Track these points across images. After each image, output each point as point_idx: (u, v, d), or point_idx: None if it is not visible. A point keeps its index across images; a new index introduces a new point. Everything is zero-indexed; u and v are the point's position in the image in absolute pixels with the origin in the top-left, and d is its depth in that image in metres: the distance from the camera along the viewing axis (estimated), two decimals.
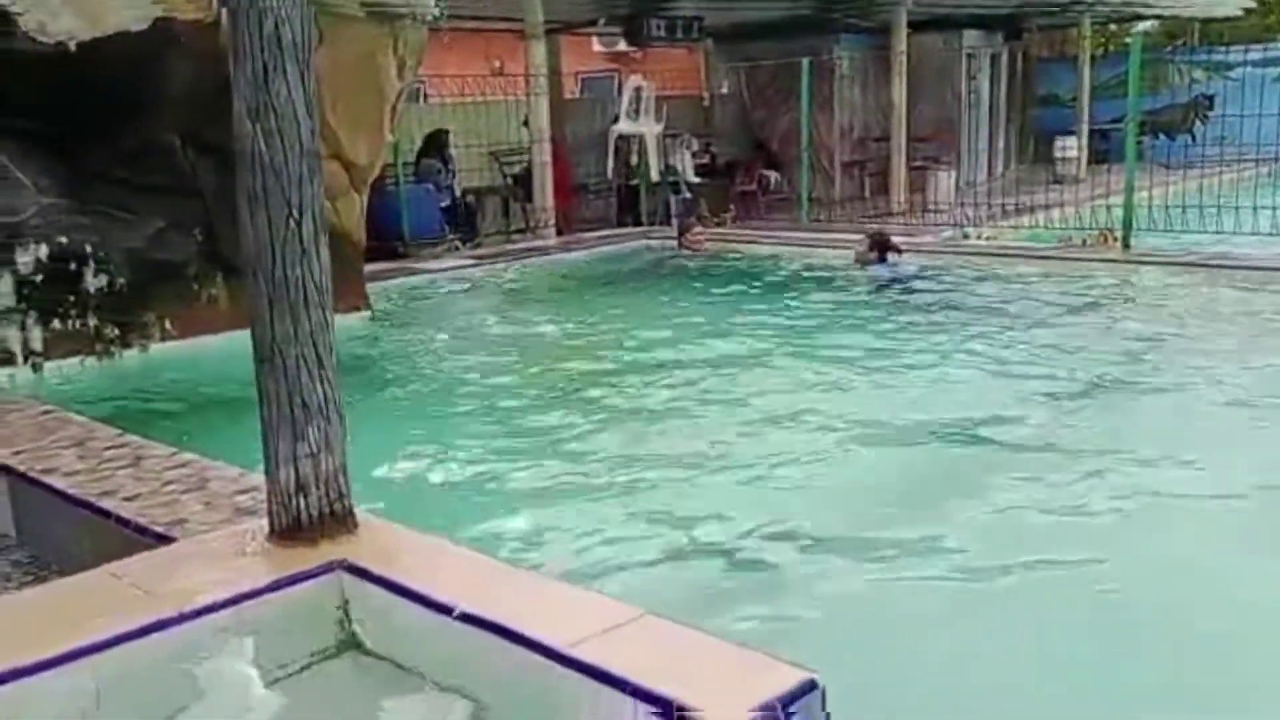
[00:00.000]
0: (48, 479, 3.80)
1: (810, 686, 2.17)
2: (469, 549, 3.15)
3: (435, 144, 12.44)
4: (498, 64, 16.08)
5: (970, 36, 16.51)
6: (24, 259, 5.81)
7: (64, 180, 5.89)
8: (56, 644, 2.50)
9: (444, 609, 2.67)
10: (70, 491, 3.65)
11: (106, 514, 3.48)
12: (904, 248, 9.71)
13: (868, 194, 15.76)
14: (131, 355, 6.27)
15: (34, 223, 5.81)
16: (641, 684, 2.19)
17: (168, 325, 6.39)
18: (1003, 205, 12.09)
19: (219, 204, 6.47)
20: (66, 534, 3.69)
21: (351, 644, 2.95)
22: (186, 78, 6.16)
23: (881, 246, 9.54)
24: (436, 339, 7.53)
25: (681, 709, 2.11)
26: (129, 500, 3.55)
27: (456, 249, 11.55)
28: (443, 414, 5.84)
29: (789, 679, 2.18)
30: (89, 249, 6.02)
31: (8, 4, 5.45)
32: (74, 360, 6.07)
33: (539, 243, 12.09)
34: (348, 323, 6.46)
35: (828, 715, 2.19)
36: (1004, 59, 18.01)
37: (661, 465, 4.83)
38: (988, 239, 10.99)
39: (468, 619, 2.60)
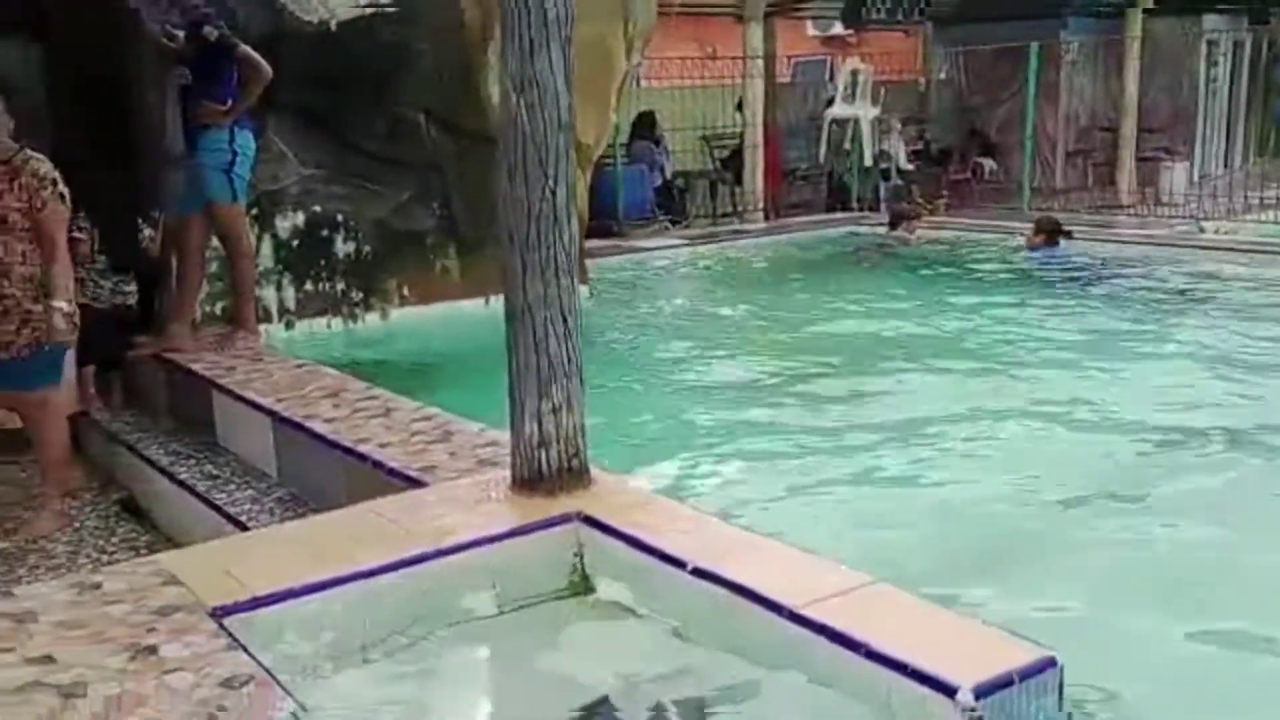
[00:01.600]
0: (309, 424, 4.15)
1: (1049, 664, 2.17)
2: (697, 508, 3.28)
3: (645, 126, 12.67)
4: (710, 49, 16.22)
5: (1211, 21, 15.50)
6: (283, 225, 6.31)
7: (322, 152, 6.35)
8: (335, 568, 2.76)
9: (677, 562, 2.79)
10: (330, 436, 3.98)
11: (363, 458, 3.78)
12: (1077, 234, 9.72)
13: (1090, 184, 15.08)
14: (372, 318, 6.71)
15: (293, 191, 6.30)
16: (877, 645, 2.24)
17: (405, 292, 6.80)
18: (1246, 199, 11.36)
19: (457, 180, 6.85)
20: (323, 474, 4.02)
21: (583, 590, 3.12)
22: (431, 59, 6.53)
23: (1051, 232, 9.51)
24: (650, 315, 7.75)
25: (917, 673, 2.16)
26: (382, 447, 3.84)
27: (666, 229, 11.76)
28: (657, 385, 6.02)
29: (1027, 655, 2.19)
30: (340, 218, 6.47)
31: None
32: (321, 320, 6.54)
33: (747, 226, 12.16)
34: None
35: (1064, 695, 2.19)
36: (1247, 46, 16.83)
37: (873, 442, 4.87)
38: (1225, 233, 10.37)
39: (701, 574, 2.72)
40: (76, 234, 5.31)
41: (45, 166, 4.31)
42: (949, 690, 2.09)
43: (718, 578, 2.66)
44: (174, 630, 2.47)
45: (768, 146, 12.72)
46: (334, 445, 3.92)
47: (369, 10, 6.22)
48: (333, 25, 6.13)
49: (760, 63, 12.35)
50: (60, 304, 4.26)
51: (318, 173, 6.37)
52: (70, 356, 4.73)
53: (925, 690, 2.13)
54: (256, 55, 5.19)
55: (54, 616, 2.56)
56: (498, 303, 6.92)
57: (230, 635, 2.45)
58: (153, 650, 2.38)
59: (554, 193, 3.13)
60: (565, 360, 3.23)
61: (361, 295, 6.65)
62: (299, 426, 4.17)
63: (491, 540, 3.02)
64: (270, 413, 4.39)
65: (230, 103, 5.25)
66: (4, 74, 6.61)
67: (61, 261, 4.31)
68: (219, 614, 2.54)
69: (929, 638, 2.29)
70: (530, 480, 3.27)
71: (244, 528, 3.93)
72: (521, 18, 3.01)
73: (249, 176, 5.46)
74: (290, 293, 6.42)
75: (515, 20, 3.01)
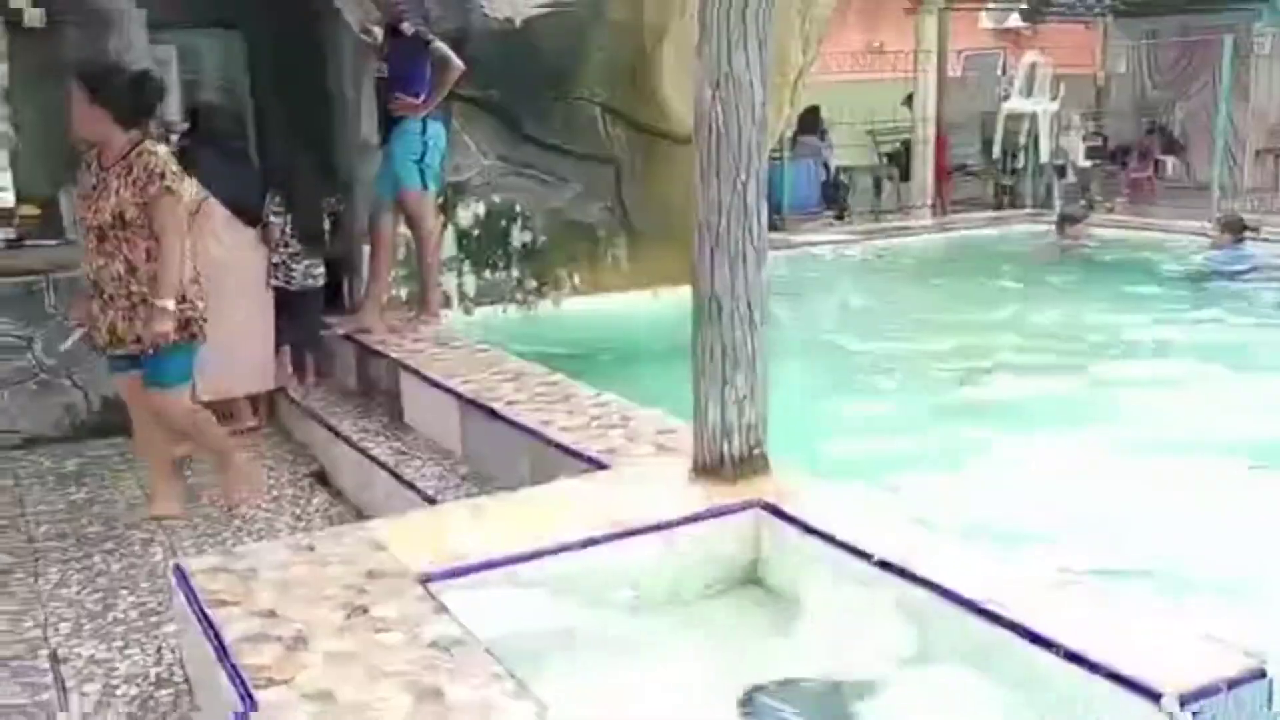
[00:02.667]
0: (494, 406, 4.32)
1: (1259, 675, 2.11)
2: (878, 501, 3.28)
3: (810, 120, 12.59)
4: (878, 43, 15.98)
5: None
6: (465, 214, 6.55)
7: (504, 145, 6.57)
8: (528, 542, 2.89)
9: (861, 554, 2.81)
10: (515, 418, 4.13)
11: (547, 439, 3.91)
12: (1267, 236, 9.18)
13: None
14: (545, 306, 6.90)
15: (476, 182, 6.53)
16: (1075, 646, 2.21)
17: (577, 281, 6.97)
18: None
19: (629, 173, 6.98)
20: (507, 454, 4.18)
21: (761, 578, 3.16)
22: (610, 53, 6.67)
23: (1238, 231, 9.05)
24: (818, 308, 7.73)
25: (1118, 677, 2.12)
26: (564, 430, 3.96)
27: (831, 225, 11.68)
28: (827, 378, 6.02)
29: (1236, 665, 2.13)
30: (518, 208, 6.68)
31: None
32: (497, 307, 6.77)
33: (913, 222, 11.96)
34: None
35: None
36: None
37: (1056, 442, 4.76)
38: None
39: (886, 567, 2.73)
40: (271, 219, 5.65)
41: (156, 159, 4.17)
42: (1153, 696, 2.05)
43: (904, 571, 2.66)
44: (384, 593, 2.62)
45: (937, 142, 12.47)
46: (518, 426, 4.07)
47: (553, 8, 6.39)
48: (518, 22, 6.33)
49: (933, 56, 12.10)
50: (164, 302, 4.13)
51: (498, 164, 6.59)
52: (200, 357, 4.54)
53: (1127, 695, 2.10)
54: (449, 51, 5.41)
55: (274, 575, 2.75)
56: (665, 295, 7.13)
57: (435, 600, 2.59)
58: (365, 610, 2.54)
59: (745, 186, 3.17)
60: (750, 351, 3.28)
61: (535, 283, 6.85)
62: (484, 408, 4.34)
63: (674, 524, 3.09)
64: (456, 394, 4.58)
65: (424, 96, 5.48)
66: (211, 65, 7.09)
67: (168, 257, 4.16)
68: (424, 580, 2.69)
69: (1129, 640, 2.25)
70: (711, 467, 3.33)
71: (431, 501, 4.12)
72: (720, 14, 3.06)
73: (438, 167, 5.69)
74: (470, 280, 6.66)
75: (714, 17, 3.07)
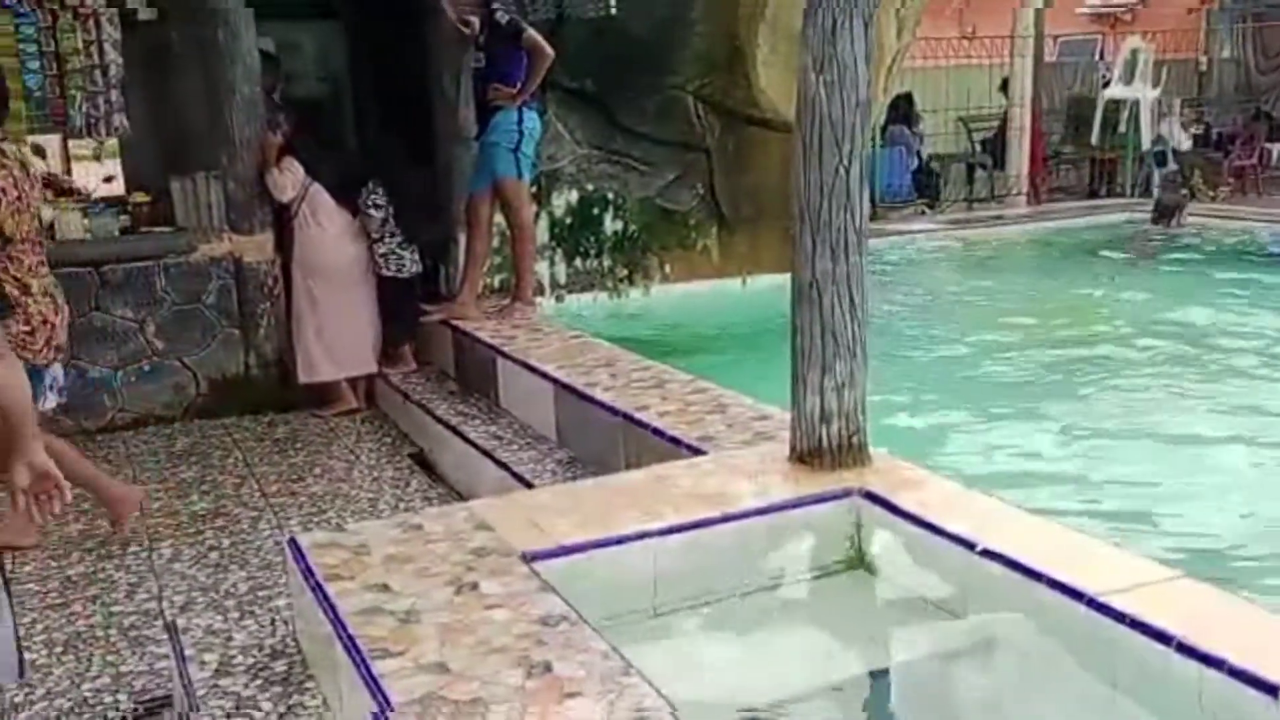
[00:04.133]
0: (590, 392, 4.37)
1: None
2: (979, 490, 3.24)
3: (902, 107, 12.43)
4: (970, 27, 15.69)
5: None
6: (558, 202, 6.62)
7: (597, 133, 6.62)
8: (629, 525, 2.92)
9: (964, 543, 2.79)
10: (612, 404, 4.17)
11: (643, 425, 3.95)
12: None
13: None
14: (635, 294, 6.94)
15: (569, 171, 6.59)
16: (1189, 639, 2.17)
17: (667, 269, 7.00)
18: None
19: (721, 161, 6.97)
20: (603, 439, 4.23)
21: (860, 565, 3.16)
22: (704, 40, 6.67)
23: None
24: (912, 296, 7.65)
25: (1234, 670, 2.08)
26: (661, 416, 3.99)
27: (923, 213, 11.53)
28: (921, 367, 5.96)
29: None
30: (610, 196, 6.73)
31: None
32: (588, 295, 6.83)
33: (1007, 210, 11.74)
34: None
35: None
36: None
37: (1158, 437, 4.66)
38: None
39: (991, 556, 2.70)
40: (373, 210, 5.78)
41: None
42: (1270, 689, 2.01)
43: (1011, 561, 2.64)
44: (490, 570, 2.68)
45: (1033, 129, 12.22)
46: (615, 412, 4.11)
47: None
48: (612, 8, 6.36)
49: (1031, 41, 11.85)
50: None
51: (591, 153, 6.64)
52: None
53: (1243, 688, 2.06)
54: (541, 39, 5.47)
55: (385, 551, 2.83)
56: (754, 283, 7.12)
57: (540, 579, 2.64)
58: (474, 586, 2.60)
59: (847, 170, 3.16)
60: (850, 338, 3.27)
61: (626, 271, 6.90)
62: (581, 394, 4.39)
63: (773, 509, 3.10)
64: (552, 379, 4.64)
65: (519, 85, 5.55)
66: (310, 56, 7.26)
67: None
68: (529, 558, 2.74)
69: (1242, 635, 2.20)
70: (810, 454, 3.33)
71: (529, 485, 4.19)
72: None
73: (534, 155, 5.76)
74: (561, 268, 6.73)
75: None
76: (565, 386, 4.53)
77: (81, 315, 5.59)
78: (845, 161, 3.16)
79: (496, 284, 6.35)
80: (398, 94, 6.60)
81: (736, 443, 3.69)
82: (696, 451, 3.63)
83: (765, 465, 3.40)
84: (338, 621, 2.44)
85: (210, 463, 5.25)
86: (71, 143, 5.86)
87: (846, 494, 3.17)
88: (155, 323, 5.78)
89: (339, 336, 5.71)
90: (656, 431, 3.85)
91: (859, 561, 3.17)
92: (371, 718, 2.11)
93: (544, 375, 4.73)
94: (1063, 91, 14.11)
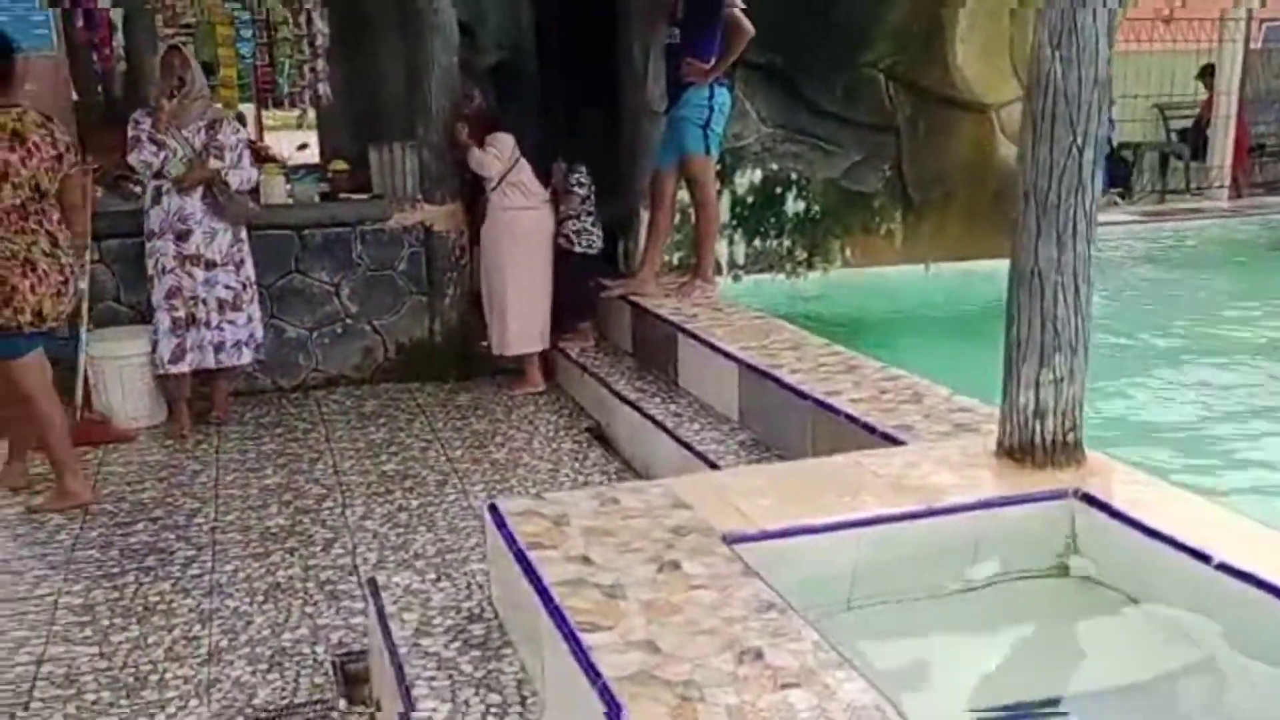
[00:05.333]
0: (777, 374, 4.28)
1: None
2: (1207, 497, 3.03)
3: None
4: (1167, 10, 14.83)
5: None
6: (740, 181, 6.53)
7: (783, 112, 6.50)
8: (829, 513, 2.83)
9: (1197, 554, 2.59)
10: (802, 387, 4.08)
11: (835, 410, 3.84)
12: None
13: None
14: (814, 276, 6.81)
15: (754, 150, 6.50)
16: None
17: (848, 253, 6.83)
18: None
19: (910, 142, 6.76)
20: (790, 423, 4.14)
21: (1072, 570, 2.98)
22: (901, 15, 6.47)
23: None
24: (1108, 291, 7.27)
25: None
26: (853, 402, 3.88)
27: (1115, 204, 10.97)
28: (1128, 364, 5.65)
29: None
30: (794, 176, 6.61)
31: None
32: (765, 276, 6.72)
33: (1206, 204, 11.06)
34: None
35: None
36: None
37: None
38: None
39: (1228, 570, 2.51)
40: (575, 187, 5.82)
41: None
42: None
43: (1254, 578, 2.44)
44: (691, 550, 2.63)
45: (1238, 118, 11.45)
46: (805, 396, 4.01)
47: None
48: None
49: (1242, 25, 11.10)
50: None
51: (776, 131, 6.53)
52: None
53: None
54: (743, 16, 5.37)
55: (584, 523, 2.81)
56: (937, 269, 6.88)
57: (743, 561, 2.58)
58: (676, 565, 2.55)
59: (1080, 151, 2.97)
60: (1073, 330, 3.08)
61: (806, 254, 6.76)
62: (768, 375, 4.31)
63: (982, 506, 2.95)
64: (737, 359, 4.57)
65: (713, 60, 5.47)
66: (497, 28, 7.31)
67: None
68: (731, 540, 2.68)
69: None
70: (1020, 450, 3.16)
71: (713, 465, 4.14)
72: None
73: (722, 133, 5.68)
74: (741, 247, 6.65)
75: None
76: (751, 367, 4.46)
77: (282, 277, 5.83)
78: (1080, 141, 2.98)
79: (675, 261, 6.31)
80: (586, 67, 6.61)
81: (935, 434, 3.55)
82: (893, 441, 3.51)
83: (971, 459, 3.25)
84: (544, 591, 2.44)
85: (398, 425, 5.39)
86: (276, 110, 6.08)
87: (1061, 494, 3.00)
88: (349, 287, 5.96)
89: (532, 311, 5.77)
90: (850, 418, 3.74)
91: (1071, 567, 3.00)
92: (588, 693, 2.09)
93: (728, 355, 4.67)
94: (1270, 80, 13.19)
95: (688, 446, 4.40)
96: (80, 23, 5.54)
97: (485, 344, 5.94)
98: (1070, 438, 3.16)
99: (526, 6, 7.32)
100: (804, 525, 2.77)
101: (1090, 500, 2.95)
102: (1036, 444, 3.14)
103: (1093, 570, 2.95)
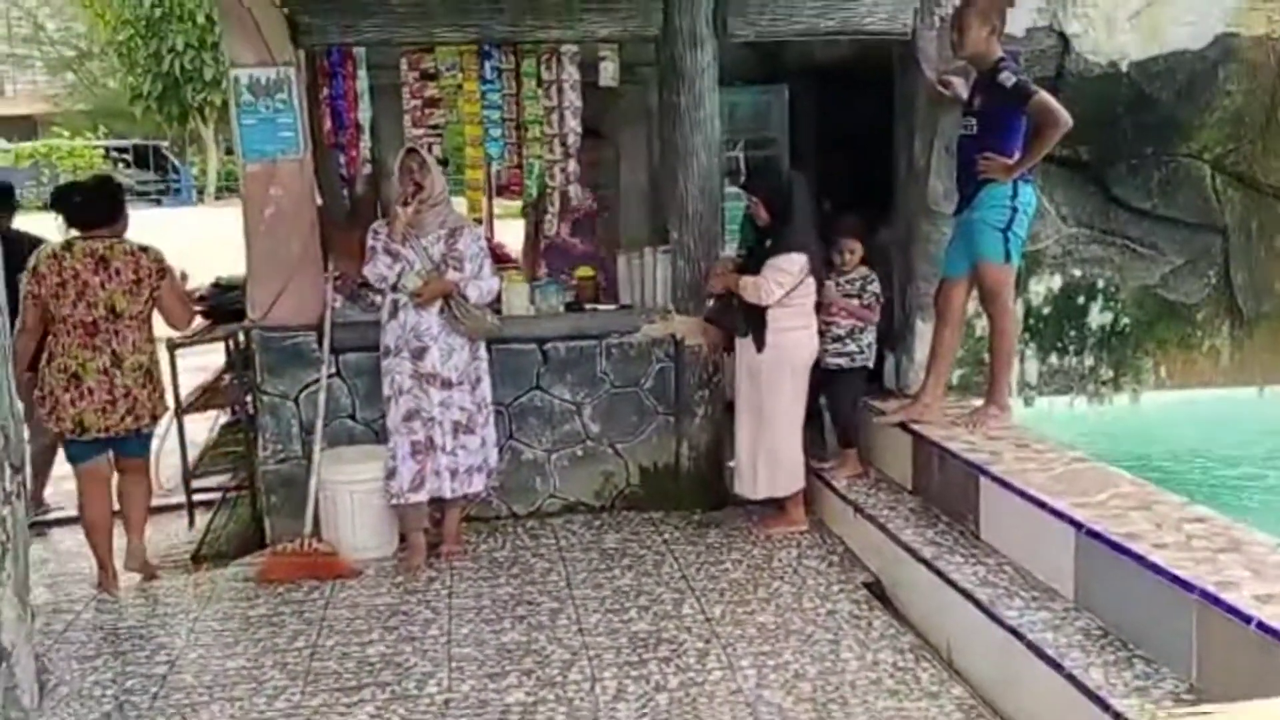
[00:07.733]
0: (1136, 548, 3.38)
1: None
2: None
3: None
4: None
5: None
6: (1036, 288, 5.66)
7: (1087, 209, 5.61)
8: None
9: None
10: (1183, 575, 3.16)
11: (1236, 612, 2.91)
12: None
13: None
14: (1120, 400, 5.82)
15: (1053, 252, 5.62)
16: None
17: (1163, 372, 5.82)
18: None
19: (1243, 243, 5.74)
20: (1162, 618, 3.23)
21: None
22: (1234, 100, 5.51)
23: None
24: None
25: None
26: (1259, 600, 2.94)
27: None
28: None
29: None
30: (1100, 283, 5.68)
31: (1069, 28, 5.29)
32: (1063, 399, 5.78)
33: None
34: None
35: None
36: None
37: None
38: None
39: None
40: (871, 300, 5.17)
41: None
42: None
43: None
44: None
45: None
46: (1188, 586, 3.09)
47: (1169, 50, 5.36)
48: (1123, 66, 5.37)
49: None
50: None
51: (1079, 231, 5.63)
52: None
53: None
54: (1056, 103, 4.56)
55: None
56: (1275, 392, 5.77)
57: None
58: None
59: None
60: None
61: (1112, 373, 5.79)
62: (1121, 549, 3.41)
63: None
64: (1073, 521, 3.69)
65: (1016, 155, 4.68)
66: (751, 119, 6.76)
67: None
68: None
69: None
70: None
71: (1055, 665, 3.27)
72: None
73: (1025, 237, 4.86)
74: (1034, 364, 5.75)
75: None
76: (1095, 535, 3.57)
77: (523, 394, 5.35)
78: None
79: (955, 381, 5.46)
80: (851, 160, 5.93)
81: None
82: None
83: None
84: None
85: (644, 570, 4.74)
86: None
87: None
88: (592, 405, 5.41)
89: (789, 444, 5.03)
90: (1266, 629, 2.81)
91: None
92: None
93: (1057, 512, 3.79)
94: None
95: (1011, 630, 3.53)
96: (328, 124, 5.27)
97: (731, 466, 5.24)
98: None
99: (780, 97, 6.76)
100: None
101: None
102: None
103: None
